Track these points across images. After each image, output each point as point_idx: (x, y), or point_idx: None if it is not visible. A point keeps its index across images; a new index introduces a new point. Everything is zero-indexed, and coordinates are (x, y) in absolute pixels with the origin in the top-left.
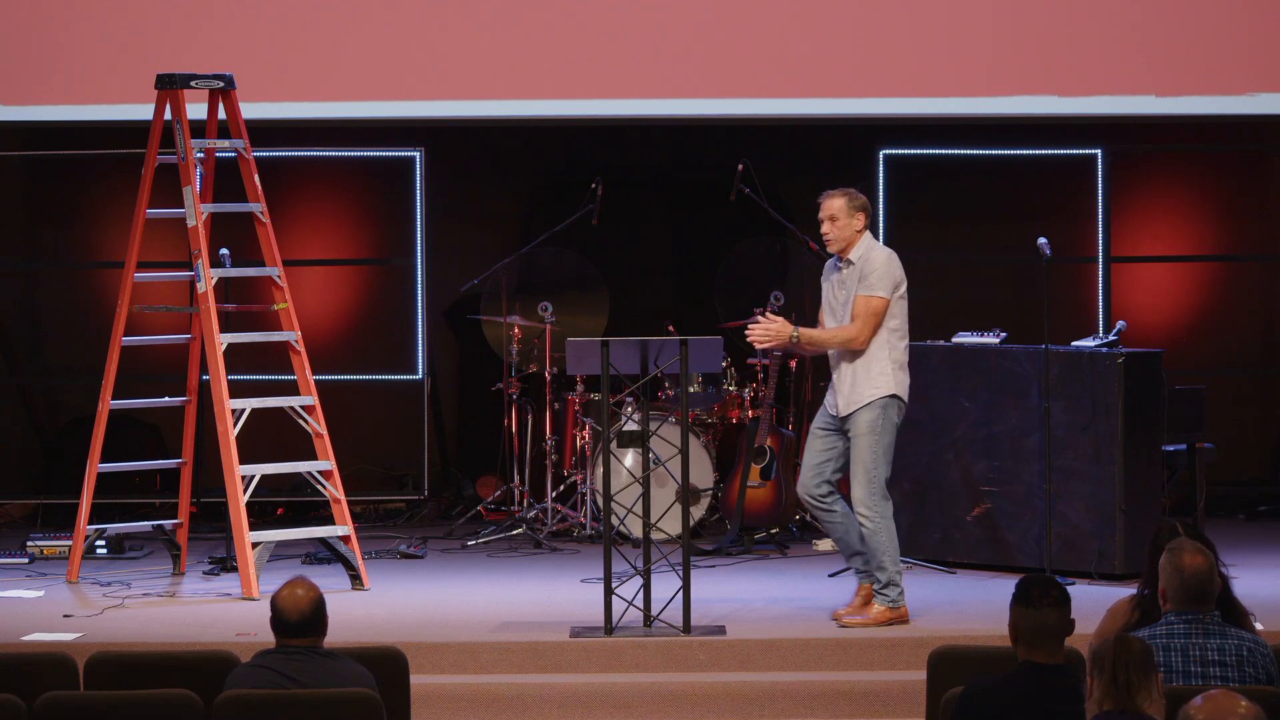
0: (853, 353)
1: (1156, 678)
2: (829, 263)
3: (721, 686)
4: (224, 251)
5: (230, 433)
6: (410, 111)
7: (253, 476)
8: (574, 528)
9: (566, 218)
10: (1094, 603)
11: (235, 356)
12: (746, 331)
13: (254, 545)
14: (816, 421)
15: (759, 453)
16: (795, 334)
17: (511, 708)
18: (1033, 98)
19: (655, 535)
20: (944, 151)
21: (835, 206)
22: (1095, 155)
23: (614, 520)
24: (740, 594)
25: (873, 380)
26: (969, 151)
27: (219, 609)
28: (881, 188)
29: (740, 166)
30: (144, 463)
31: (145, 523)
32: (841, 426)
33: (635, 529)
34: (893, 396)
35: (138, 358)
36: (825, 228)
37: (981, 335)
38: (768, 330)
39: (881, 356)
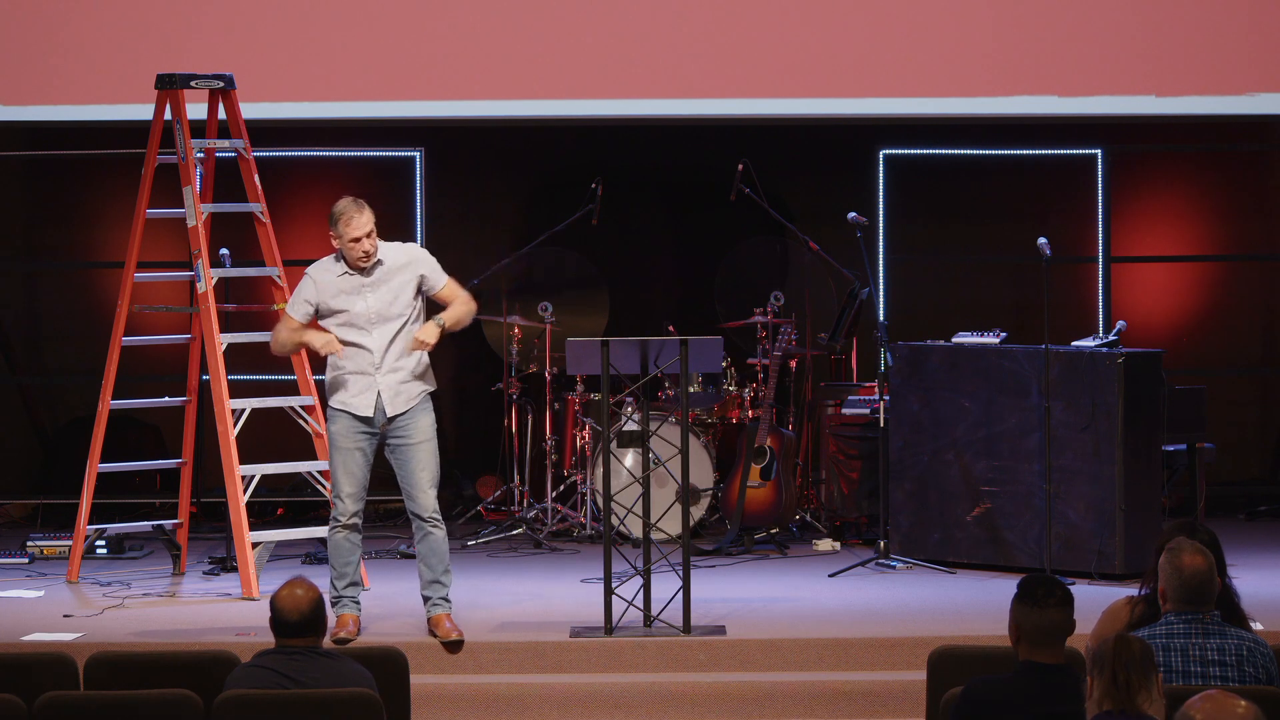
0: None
1: (1156, 678)
2: (330, 275)
3: (721, 686)
4: (224, 251)
5: (230, 433)
6: (410, 111)
7: (253, 476)
8: (574, 528)
9: (566, 218)
10: (1094, 603)
11: (235, 356)
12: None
13: (254, 545)
14: (351, 440)
15: (759, 453)
16: (441, 321)
17: (511, 708)
18: (1033, 98)
19: (655, 535)
20: (944, 151)
21: (372, 221)
22: (1095, 155)
23: (614, 520)
24: (740, 594)
25: (425, 375)
26: (969, 151)
27: (219, 609)
28: (881, 188)
29: (740, 166)
30: (144, 463)
31: (145, 523)
32: (381, 430)
33: (635, 529)
34: (432, 394)
35: (138, 358)
36: (367, 245)
37: (981, 335)
38: (421, 342)
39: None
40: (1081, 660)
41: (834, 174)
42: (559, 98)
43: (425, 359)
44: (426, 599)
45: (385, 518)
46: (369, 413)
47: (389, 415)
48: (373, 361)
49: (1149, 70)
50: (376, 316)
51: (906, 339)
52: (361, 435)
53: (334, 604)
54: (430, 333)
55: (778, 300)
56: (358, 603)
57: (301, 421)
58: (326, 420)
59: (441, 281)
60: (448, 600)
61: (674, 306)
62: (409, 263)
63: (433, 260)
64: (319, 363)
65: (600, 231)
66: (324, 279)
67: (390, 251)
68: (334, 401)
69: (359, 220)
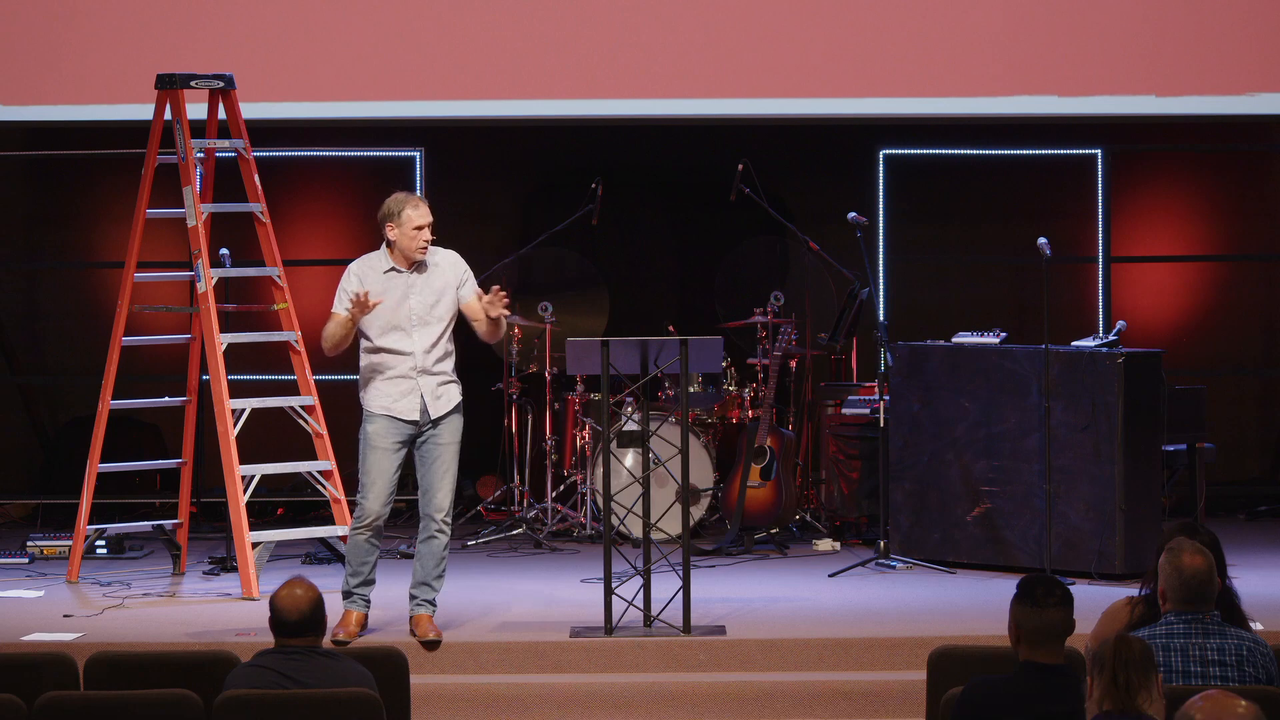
0: (449, 350)
1: (1156, 678)
2: (375, 273)
3: (721, 687)
4: (224, 251)
5: (230, 433)
6: (410, 111)
7: (253, 476)
8: (574, 528)
9: (566, 218)
10: (1094, 603)
11: (235, 356)
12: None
13: (254, 545)
14: (388, 440)
15: (759, 453)
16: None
17: (511, 708)
18: (1033, 98)
19: (655, 535)
20: (944, 151)
21: (430, 215)
22: (1095, 155)
23: (614, 520)
24: (740, 594)
25: (457, 381)
26: (969, 151)
27: (219, 609)
28: (881, 188)
29: (740, 166)
30: (144, 463)
31: (145, 523)
32: (417, 432)
33: (635, 529)
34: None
35: (138, 358)
36: (429, 234)
37: (981, 335)
38: (492, 305)
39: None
40: (1081, 660)
41: (834, 174)
42: (559, 98)
43: (453, 361)
44: (413, 597)
45: (386, 517)
46: (415, 416)
47: (432, 417)
48: (414, 365)
49: (1149, 70)
50: (419, 319)
51: (906, 339)
52: (399, 438)
53: (345, 597)
54: (497, 305)
55: (778, 300)
56: (368, 602)
57: (301, 421)
58: (363, 419)
59: (474, 293)
60: (433, 603)
61: (674, 306)
62: (454, 267)
63: (467, 268)
64: (319, 363)
65: (600, 231)
66: (368, 276)
67: (435, 254)
68: (374, 406)
69: (424, 208)
